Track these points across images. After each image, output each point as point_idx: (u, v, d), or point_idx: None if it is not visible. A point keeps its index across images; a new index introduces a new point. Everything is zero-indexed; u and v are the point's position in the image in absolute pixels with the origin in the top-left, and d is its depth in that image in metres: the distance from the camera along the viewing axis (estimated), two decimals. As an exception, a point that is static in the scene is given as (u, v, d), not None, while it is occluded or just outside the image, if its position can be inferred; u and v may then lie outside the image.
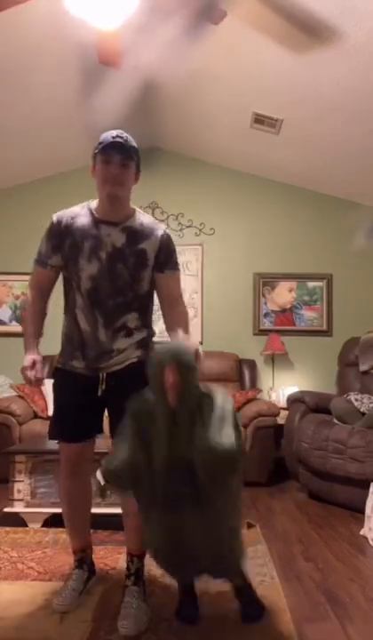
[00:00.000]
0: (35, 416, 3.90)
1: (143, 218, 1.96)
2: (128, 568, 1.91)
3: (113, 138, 1.81)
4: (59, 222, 1.93)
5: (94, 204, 1.97)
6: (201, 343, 4.48)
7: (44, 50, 3.15)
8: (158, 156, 4.76)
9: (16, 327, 4.74)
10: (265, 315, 4.73)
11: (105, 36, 2.54)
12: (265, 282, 4.74)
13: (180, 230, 4.77)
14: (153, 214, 4.77)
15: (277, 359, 4.60)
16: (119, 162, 1.82)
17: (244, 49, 3.09)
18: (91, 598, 1.90)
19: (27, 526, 2.73)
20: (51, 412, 3.86)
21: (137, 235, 1.89)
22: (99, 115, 3.48)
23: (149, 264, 1.90)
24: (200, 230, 4.79)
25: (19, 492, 2.76)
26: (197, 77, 3.45)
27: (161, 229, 1.94)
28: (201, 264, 4.70)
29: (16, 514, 2.74)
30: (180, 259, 2.07)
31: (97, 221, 1.90)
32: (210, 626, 1.72)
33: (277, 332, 4.61)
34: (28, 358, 2.07)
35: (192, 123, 4.24)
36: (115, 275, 1.86)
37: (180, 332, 1.80)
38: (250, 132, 4.02)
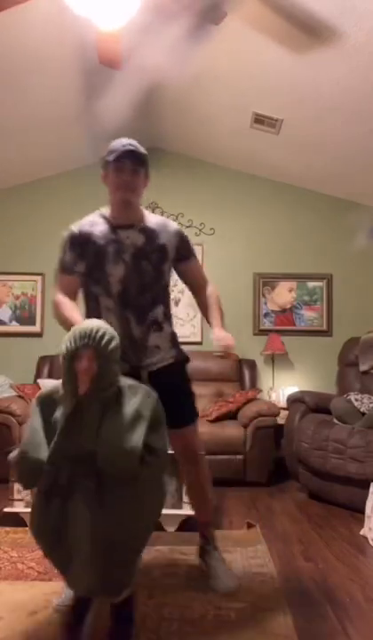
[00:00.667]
0: (35, 416, 3.89)
1: (153, 218, 2.09)
2: (204, 536, 2.15)
3: (123, 146, 1.91)
4: (79, 232, 1.97)
5: (106, 210, 2.02)
6: (200, 343, 4.49)
7: (45, 50, 3.14)
8: (158, 156, 4.76)
9: (16, 327, 4.74)
10: (265, 315, 4.73)
11: (105, 36, 2.54)
12: (265, 282, 4.74)
13: (180, 230, 4.77)
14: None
15: (277, 359, 4.60)
16: (130, 169, 1.92)
17: (244, 49, 3.09)
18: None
19: (27, 526, 2.72)
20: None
21: (154, 233, 2.00)
22: (99, 115, 3.48)
23: (170, 257, 2.04)
24: (200, 230, 4.79)
25: (19, 491, 2.76)
26: (197, 77, 3.45)
27: (173, 224, 2.10)
28: (201, 264, 4.70)
29: (16, 514, 2.74)
30: None
31: (114, 227, 1.97)
32: (210, 625, 1.72)
33: (277, 332, 4.61)
34: None
35: (192, 123, 4.24)
36: (142, 272, 1.95)
37: (216, 319, 2.06)
38: (250, 132, 4.03)
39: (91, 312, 1.97)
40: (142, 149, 1.95)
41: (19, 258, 4.80)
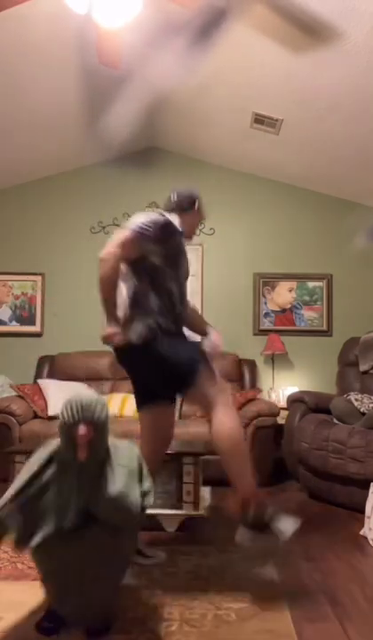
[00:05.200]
0: (35, 416, 3.90)
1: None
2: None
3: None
4: (170, 225, 2.22)
5: (175, 219, 2.26)
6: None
7: (45, 50, 3.15)
8: (158, 157, 4.77)
9: (16, 327, 4.74)
10: (265, 315, 4.73)
11: (105, 36, 2.55)
12: (265, 282, 4.74)
13: (180, 230, 4.78)
14: (153, 214, 4.78)
15: (277, 359, 4.60)
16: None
17: (245, 49, 3.09)
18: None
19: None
20: (51, 411, 3.87)
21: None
22: (100, 116, 3.48)
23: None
24: (200, 230, 4.79)
25: (19, 491, 2.76)
26: (198, 78, 3.44)
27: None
28: (201, 264, 4.70)
29: (16, 514, 2.74)
30: None
31: (183, 236, 2.32)
32: (210, 626, 1.72)
33: (277, 331, 4.61)
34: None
35: (192, 123, 4.24)
36: (186, 276, 2.36)
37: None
38: (250, 132, 4.03)
39: (146, 285, 2.17)
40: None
41: (19, 258, 4.80)
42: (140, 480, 1.70)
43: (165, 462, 2.69)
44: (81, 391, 1.80)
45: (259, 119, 3.84)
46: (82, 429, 1.59)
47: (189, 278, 2.41)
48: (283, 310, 4.73)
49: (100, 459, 1.66)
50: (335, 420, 3.43)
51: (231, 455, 2.12)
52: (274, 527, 1.97)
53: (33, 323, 4.73)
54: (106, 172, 4.76)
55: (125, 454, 1.73)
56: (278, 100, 3.58)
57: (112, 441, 1.75)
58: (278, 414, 3.77)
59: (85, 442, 1.59)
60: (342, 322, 4.67)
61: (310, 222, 4.79)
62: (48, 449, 1.72)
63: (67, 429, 1.61)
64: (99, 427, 1.63)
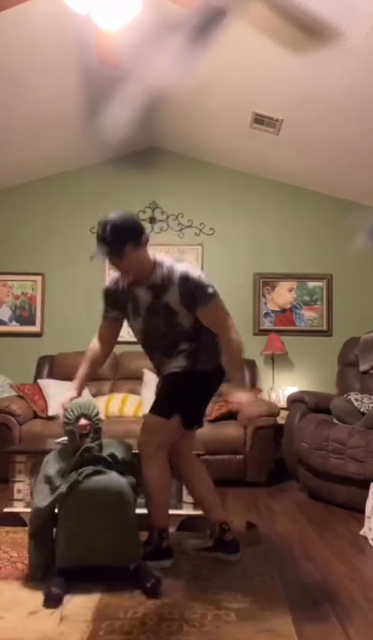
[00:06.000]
0: (35, 416, 3.90)
1: (161, 269, 2.16)
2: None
3: (97, 242, 2.04)
4: (107, 289, 2.33)
5: None
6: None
7: (45, 49, 3.15)
8: (158, 156, 4.77)
9: (16, 327, 4.74)
10: (265, 315, 4.73)
11: (104, 36, 2.55)
12: (265, 282, 4.74)
13: (180, 230, 4.78)
14: (153, 214, 4.78)
15: (277, 359, 4.60)
16: (111, 262, 2.12)
17: (244, 49, 3.09)
18: (91, 598, 1.90)
19: (27, 526, 2.72)
20: (50, 411, 3.87)
21: (160, 289, 2.14)
22: (100, 116, 3.48)
23: (178, 312, 2.14)
24: (200, 230, 4.79)
25: (19, 492, 2.76)
26: (197, 78, 3.45)
27: (176, 275, 2.12)
28: (201, 264, 4.71)
29: (16, 514, 2.74)
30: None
31: (129, 284, 2.22)
32: (210, 626, 1.72)
33: (277, 331, 4.61)
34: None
35: (192, 123, 4.24)
36: (157, 326, 2.19)
37: (233, 377, 2.21)
38: (250, 131, 4.03)
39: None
40: (114, 230, 2.02)
41: (19, 258, 4.80)
42: (131, 472, 2.14)
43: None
44: (76, 399, 2.25)
45: (259, 119, 3.84)
46: (82, 422, 2.08)
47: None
48: (283, 310, 4.73)
49: (97, 447, 2.10)
50: (335, 420, 3.43)
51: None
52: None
53: (33, 323, 4.73)
54: (106, 171, 4.76)
55: (120, 449, 2.18)
56: (278, 100, 3.58)
57: (112, 440, 2.24)
58: (278, 414, 3.77)
59: (86, 430, 2.09)
60: (342, 322, 4.67)
61: (310, 222, 4.79)
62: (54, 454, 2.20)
63: (71, 424, 2.08)
64: (92, 421, 2.11)
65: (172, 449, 2.24)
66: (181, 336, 2.18)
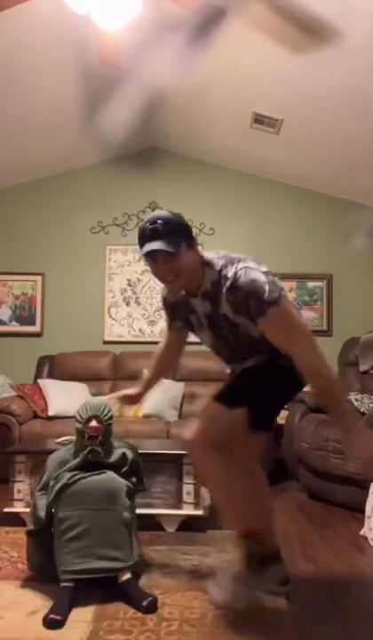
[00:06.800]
0: (35, 416, 3.90)
1: (212, 271, 1.78)
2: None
3: (142, 242, 1.72)
4: (165, 299, 2.07)
5: None
6: (200, 343, 4.48)
7: (45, 49, 3.15)
8: (158, 156, 4.77)
9: (16, 327, 4.74)
10: (265, 315, 4.72)
11: (104, 36, 2.55)
12: (265, 282, 4.74)
13: (180, 230, 4.77)
14: (153, 214, 4.77)
15: (277, 359, 4.59)
16: (160, 261, 1.73)
17: (244, 49, 3.09)
18: (90, 598, 1.90)
19: (26, 526, 2.72)
20: (51, 411, 3.87)
21: (214, 299, 1.79)
22: (100, 116, 3.49)
23: (239, 323, 1.78)
24: (200, 230, 4.79)
25: (19, 491, 2.76)
26: (197, 77, 3.45)
27: (224, 281, 1.73)
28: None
29: (16, 514, 2.74)
30: None
31: (186, 295, 1.89)
32: (210, 625, 1.72)
33: (277, 332, 4.60)
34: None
35: (192, 123, 4.24)
36: (224, 337, 1.89)
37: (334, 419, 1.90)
38: (250, 131, 4.03)
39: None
40: (169, 225, 1.70)
41: (19, 258, 4.80)
42: (136, 472, 2.21)
43: (166, 462, 2.70)
44: (91, 398, 2.29)
45: (259, 119, 3.84)
46: (93, 423, 2.09)
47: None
48: (283, 310, 4.72)
49: (107, 448, 2.14)
50: (335, 420, 3.43)
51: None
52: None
53: (33, 323, 4.73)
54: (106, 171, 4.76)
55: (130, 453, 2.22)
56: (278, 100, 3.58)
57: (121, 441, 2.29)
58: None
59: (96, 433, 2.09)
60: (342, 322, 4.67)
61: (310, 222, 4.79)
62: (59, 453, 2.22)
63: (83, 423, 2.10)
64: (104, 422, 2.12)
65: (229, 454, 1.80)
66: (251, 347, 1.85)
